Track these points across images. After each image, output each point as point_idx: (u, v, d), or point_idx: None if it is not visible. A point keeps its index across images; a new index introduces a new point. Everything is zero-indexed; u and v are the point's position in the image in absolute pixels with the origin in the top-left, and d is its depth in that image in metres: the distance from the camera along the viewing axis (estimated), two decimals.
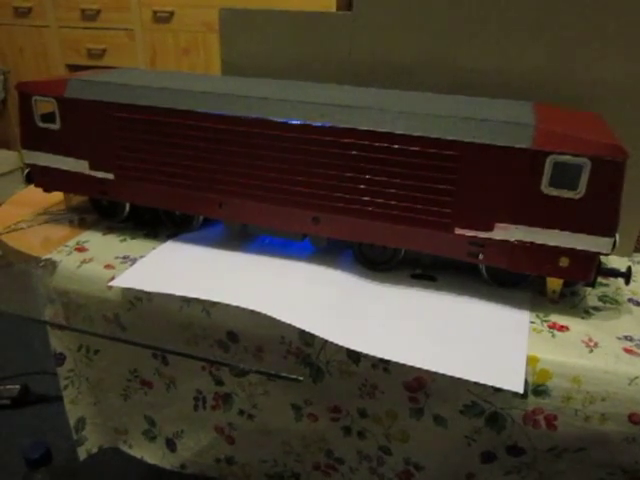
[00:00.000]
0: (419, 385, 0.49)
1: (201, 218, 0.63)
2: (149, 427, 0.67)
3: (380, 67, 0.65)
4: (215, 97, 0.55)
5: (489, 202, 0.49)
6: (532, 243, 0.49)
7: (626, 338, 0.48)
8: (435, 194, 0.50)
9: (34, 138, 0.62)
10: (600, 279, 0.55)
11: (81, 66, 1.91)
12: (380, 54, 0.65)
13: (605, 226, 0.47)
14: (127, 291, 0.55)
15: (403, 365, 0.45)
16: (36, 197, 0.69)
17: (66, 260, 0.58)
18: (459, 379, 0.44)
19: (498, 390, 0.46)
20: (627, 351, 0.46)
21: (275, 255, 0.59)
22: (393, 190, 0.51)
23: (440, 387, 0.48)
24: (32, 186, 0.65)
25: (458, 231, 0.50)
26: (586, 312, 0.52)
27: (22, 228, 0.65)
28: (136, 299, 0.55)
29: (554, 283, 0.52)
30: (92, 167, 0.61)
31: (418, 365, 0.45)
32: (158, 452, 0.68)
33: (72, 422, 0.68)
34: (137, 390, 0.65)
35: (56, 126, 0.61)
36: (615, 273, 0.52)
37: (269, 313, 0.49)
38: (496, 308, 0.52)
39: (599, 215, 0.46)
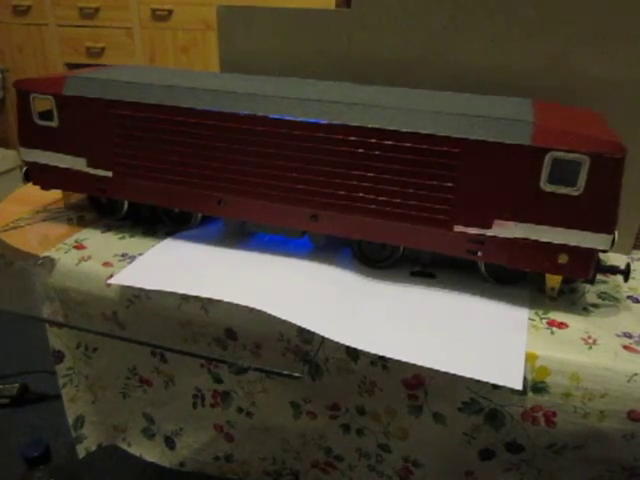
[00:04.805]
0: (418, 382, 0.49)
1: (200, 215, 0.63)
2: (148, 425, 0.67)
3: (378, 64, 0.65)
4: (214, 94, 0.55)
5: (488, 199, 0.48)
6: (531, 240, 0.48)
7: (625, 335, 0.48)
8: (434, 191, 0.50)
9: (32, 136, 0.62)
10: (599, 276, 0.55)
11: (80, 65, 1.91)
12: (379, 51, 0.65)
13: (604, 223, 0.47)
14: (126, 289, 0.55)
15: (402, 362, 0.45)
16: (34, 195, 0.69)
17: (64, 258, 0.58)
18: (458, 376, 0.44)
19: (497, 387, 0.46)
20: (626, 348, 0.46)
21: (274, 252, 0.59)
22: (392, 187, 0.51)
23: (439, 384, 0.48)
24: (30, 184, 0.65)
25: (457, 228, 0.50)
26: (585, 309, 0.52)
27: (21, 226, 0.65)
28: (134, 297, 0.55)
29: (553, 280, 0.51)
30: (90, 165, 0.61)
31: (417, 362, 0.44)
32: (157, 450, 0.68)
33: (71, 420, 0.68)
34: (136, 388, 0.65)
35: (54, 124, 0.61)
36: (614, 270, 0.52)
37: (267, 310, 0.49)
38: (495, 305, 0.52)
39: (598, 212, 0.46)
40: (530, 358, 0.45)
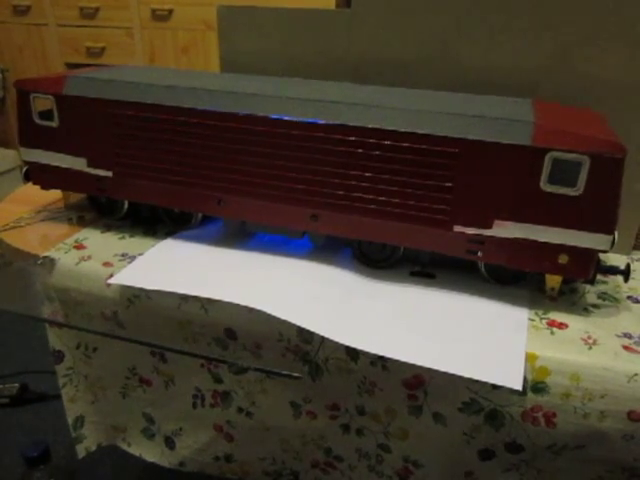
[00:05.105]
0: (418, 383, 0.49)
1: (200, 215, 0.63)
2: (148, 425, 0.67)
3: (378, 64, 0.65)
4: (214, 94, 0.55)
5: (488, 199, 0.48)
6: (531, 240, 0.48)
7: (625, 335, 0.48)
8: (434, 191, 0.50)
9: (32, 135, 0.62)
10: (599, 276, 0.55)
11: (80, 64, 1.91)
12: (379, 51, 0.65)
13: (604, 223, 0.46)
14: (125, 289, 0.55)
15: (402, 362, 0.45)
16: (34, 195, 0.68)
17: (64, 258, 0.58)
18: (458, 376, 0.44)
19: (497, 387, 0.45)
20: (626, 348, 0.46)
21: (274, 252, 0.59)
22: (392, 187, 0.51)
23: (439, 384, 0.48)
24: (30, 184, 0.65)
25: (457, 228, 0.50)
26: (585, 309, 0.52)
27: (21, 226, 0.65)
28: (134, 297, 0.55)
29: (553, 280, 0.51)
30: (90, 165, 0.61)
31: (417, 362, 0.44)
32: (157, 450, 0.68)
33: (70, 420, 0.68)
34: (136, 388, 0.65)
35: (54, 123, 0.61)
36: (614, 270, 0.52)
37: (267, 310, 0.49)
38: (495, 305, 0.52)
39: (598, 212, 0.46)
40: (530, 358, 0.45)
